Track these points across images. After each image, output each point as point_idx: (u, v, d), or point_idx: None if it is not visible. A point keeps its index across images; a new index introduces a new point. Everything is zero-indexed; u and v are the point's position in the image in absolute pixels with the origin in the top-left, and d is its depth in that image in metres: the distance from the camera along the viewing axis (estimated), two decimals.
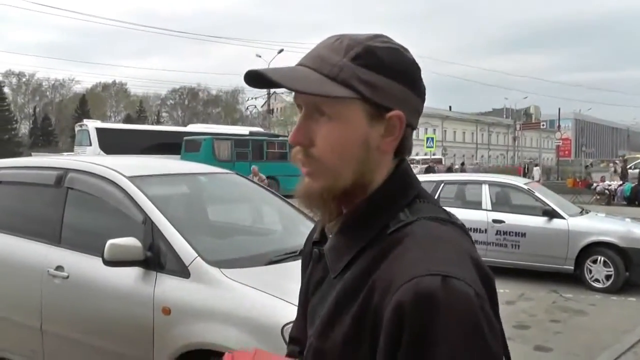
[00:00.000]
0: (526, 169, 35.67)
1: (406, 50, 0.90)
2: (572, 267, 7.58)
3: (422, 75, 0.92)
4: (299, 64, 0.87)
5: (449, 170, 28.52)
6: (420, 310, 0.74)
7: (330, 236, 0.94)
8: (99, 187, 3.60)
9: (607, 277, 7.37)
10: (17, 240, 3.86)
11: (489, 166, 46.62)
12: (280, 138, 24.75)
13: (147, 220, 3.25)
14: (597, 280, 7.43)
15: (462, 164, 35.39)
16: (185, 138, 22.11)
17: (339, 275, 0.88)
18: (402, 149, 0.91)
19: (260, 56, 42.53)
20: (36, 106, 68.35)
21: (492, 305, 0.81)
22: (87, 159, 4.27)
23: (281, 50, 40.18)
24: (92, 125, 24.34)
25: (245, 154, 21.53)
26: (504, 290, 7.33)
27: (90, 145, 22.65)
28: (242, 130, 28.03)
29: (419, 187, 0.92)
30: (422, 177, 9.99)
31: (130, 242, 3.07)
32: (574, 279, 7.61)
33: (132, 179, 3.50)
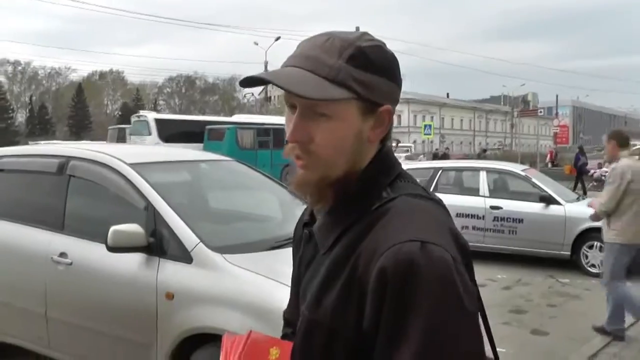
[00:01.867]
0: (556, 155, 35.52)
1: (385, 45, 0.96)
2: (569, 253, 7.67)
3: (420, 63, 0.98)
4: (293, 65, 0.91)
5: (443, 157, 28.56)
6: (400, 273, 0.80)
7: (319, 217, 1.00)
8: (101, 175, 3.63)
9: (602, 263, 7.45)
10: (20, 227, 3.90)
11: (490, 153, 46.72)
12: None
13: (149, 207, 3.28)
14: (593, 266, 7.50)
15: (446, 149, 35.45)
16: (207, 127, 22.91)
17: (328, 251, 0.94)
18: (386, 136, 0.99)
19: (257, 44, 42.39)
20: (32, 95, 68.04)
21: (469, 271, 0.88)
22: (89, 146, 4.29)
23: (278, 38, 39.97)
24: (151, 116, 25.06)
25: (267, 142, 22.20)
26: (502, 275, 7.43)
27: (150, 134, 23.31)
28: (273, 119, 28.64)
29: (400, 169, 0.99)
30: (421, 164, 10.05)
31: (133, 228, 3.11)
32: (571, 264, 7.69)
33: (133, 166, 3.53)
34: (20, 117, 67.35)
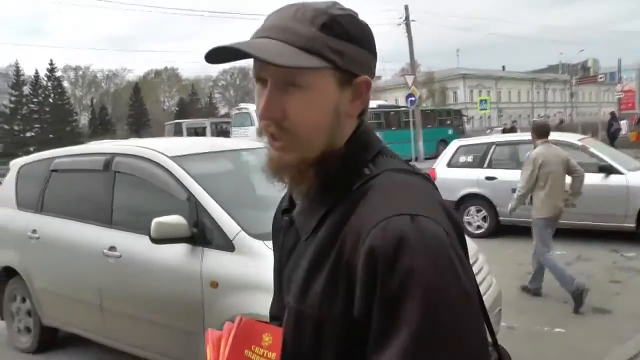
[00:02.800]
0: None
1: (358, 14, 0.91)
2: (634, 225, 7.26)
3: (472, 36, 0.92)
4: (265, 37, 0.85)
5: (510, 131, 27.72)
6: (391, 249, 0.74)
7: (299, 202, 0.94)
8: (143, 169, 3.72)
9: None
10: (76, 224, 4.08)
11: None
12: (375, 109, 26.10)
13: (191, 198, 3.34)
14: None
15: (513, 122, 34.10)
16: None
17: (310, 236, 0.88)
18: (364, 110, 0.93)
19: None
20: (93, 97, 70.88)
21: (462, 244, 0.83)
22: (132, 142, 4.42)
23: None
24: (252, 107, 25.92)
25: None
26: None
27: (252, 125, 23.80)
28: (371, 104, 29.98)
29: (381, 145, 0.93)
30: (472, 140, 9.76)
31: (176, 219, 3.17)
32: (637, 237, 7.29)
33: (174, 158, 3.60)
34: (84, 119, 70.35)
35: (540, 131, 5.47)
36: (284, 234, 0.98)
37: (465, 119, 31.25)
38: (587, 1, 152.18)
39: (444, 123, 27.73)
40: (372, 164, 0.89)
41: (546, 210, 5.26)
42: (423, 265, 0.73)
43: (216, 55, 0.85)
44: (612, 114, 22.51)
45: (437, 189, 0.91)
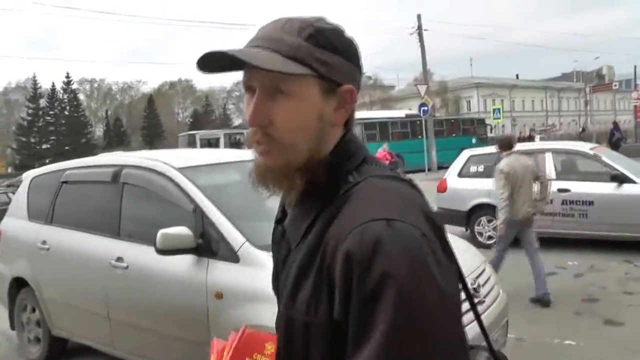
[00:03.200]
0: None
1: (344, 30, 0.96)
2: None
3: (485, 45, 0.94)
4: (256, 46, 0.90)
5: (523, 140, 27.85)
6: (366, 255, 0.76)
7: (289, 211, 0.97)
8: (151, 180, 3.76)
9: None
10: (85, 235, 4.12)
11: (559, 134, 44.34)
12: (403, 118, 27.20)
13: (197, 209, 3.37)
14: None
15: (531, 130, 34.01)
16: None
17: (300, 244, 0.91)
18: (351, 120, 0.97)
19: None
20: (108, 109, 71.70)
21: (445, 250, 0.83)
22: (141, 154, 4.46)
23: None
24: None
25: (374, 135, 24.06)
26: (573, 262, 7.06)
27: None
28: (399, 113, 31.51)
29: (366, 153, 0.96)
30: (483, 150, 9.71)
31: (181, 230, 3.20)
32: None
33: (181, 170, 3.63)
34: (98, 131, 71.14)
35: (505, 144, 5.94)
36: (279, 244, 1.01)
37: (489, 127, 31.49)
38: (601, 8, 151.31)
39: (468, 132, 28.32)
40: (356, 171, 0.91)
41: (513, 214, 5.59)
42: (397, 268, 0.74)
43: (208, 64, 0.89)
44: (615, 123, 23.62)
45: (422, 195, 0.92)
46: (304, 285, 0.86)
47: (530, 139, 27.65)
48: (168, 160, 3.81)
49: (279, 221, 1.03)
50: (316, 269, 0.84)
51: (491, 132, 32.87)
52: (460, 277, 0.90)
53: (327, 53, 0.90)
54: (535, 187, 5.80)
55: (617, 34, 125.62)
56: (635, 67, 42.91)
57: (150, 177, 3.77)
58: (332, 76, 0.90)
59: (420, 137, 24.82)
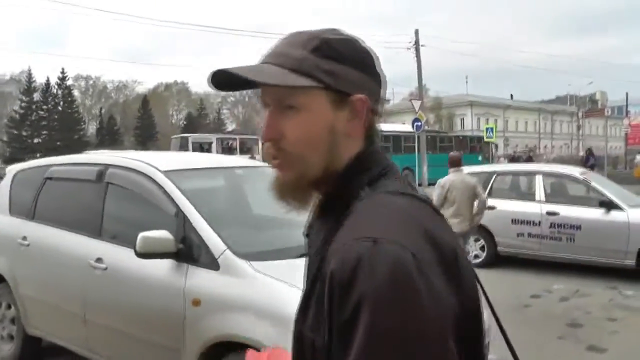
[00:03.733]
0: None
1: (360, 40, 0.93)
2: (634, 262, 7.17)
3: (481, 64, 0.92)
4: (264, 62, 0.90)
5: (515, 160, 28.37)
6: (346, 276, 0.73)
7: (312, 226, 0.97)
8: (135, 182, 3.70)
9: None
10: (66, 233, 4.05)
11: (551, 158, 44.50)
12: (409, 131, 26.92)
13: (180, 214, 3.31)
14: None
15: (530, 151, 34.56)
16: None
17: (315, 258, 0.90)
18: (372, 132, 0.93)
19: None
20: (102, 107, 71.39)
21: (449, 274, 0.77)
22: (127, 154, 4.40)
23: None
24: None
25: (388, 148, 23.98)
26: (558, 286, 7.05)
27: None
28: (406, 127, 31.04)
29: (387, 165, 0.92)
30: (474, 169, 9.72)
31: (162, 234, 3.14)
32: (636, 274, 7.20)
33: (167, 173, 3.57)
34: (92, 128, 70.75)
35: (454, 162, 6.44)
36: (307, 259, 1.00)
37: (493, 146, 31.98)
38: (598, 34, 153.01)
39: (474, 149, 28.63)
40: (370, 186, 0.88)
41: (452, 225, 6.15)
42: (375, 291, 0.70)
43: (222, 83, 0.92)
44: (589, 150, 27.12)
45: (433, 212, 0.87)
46: (312, 302, 0.84)
47: (530, 160, 28.19)
48: (154, 162, 3.75)
49: (307, 235, 1.00)
50: (319, 287, 0.82)
51: (496, 149, 33.42)
52: (487, 301, 0.89)
53: (333, 63, 0.88)
54: (475, 204, 6.19)
55: (611, 60, 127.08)
56: (627, 94, 43.38)
57: (135, 178, 3.71)
58: (341, 86, 0.88)
59: (431, 151, 25.26)
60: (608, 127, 51.71)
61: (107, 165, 3.97)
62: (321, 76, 0.87)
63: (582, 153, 37.84)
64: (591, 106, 58.79)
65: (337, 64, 0.88)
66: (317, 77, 0.87)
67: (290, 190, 0.90)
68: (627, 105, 41.22)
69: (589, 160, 25.33)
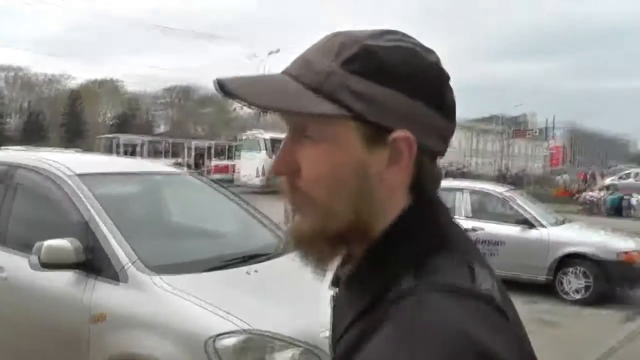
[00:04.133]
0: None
1: (427, 51, 0.69)
2: (551, 278, 7.48)
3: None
4: (284, 72, 0.69)
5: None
6: None
7: (341, 283, 0.75)
8: (43, 184, 3.44)
9: (586, 288, 7.29)
10: None
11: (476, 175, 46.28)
12: None
13: (87, 221, 3.10)
14: (576, 291, 7.34)
15: (463, 166, 36.03)
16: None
17: (341, 339, 0.69)
18: (419, 181, 0.68)
19: (256, 56, 42.28)
20: (30, 101, 67.84)
21: None
22: (39, 154, 4.10)
23: (278, 50, 39.88)
24: (266, 135, 25.15)
25: None
26: None
27: (261, 151, 23.95)
28: None
29: (440, 232, 0.68)
30: None
31: (64, 244, 2.91)
32: (552, 290, 7.49)
33: (80, 176, 3.34)
34: (18, 123, 67.02)
35: None
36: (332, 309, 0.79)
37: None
38: (533, 56, 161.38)
39: None
40: (417, 267, 0.63)
41: None
42: None
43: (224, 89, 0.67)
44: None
45: (501, 316, 0.62)
46: None
47: (463, 175, 29.13)
48: (67, 164, 3.51)
49: (334, 283, 0.78)
50: None
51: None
52: None
53: (371, 85, 0.64)
54: None
55: (543, 82, 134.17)
56: (554, 117, 45.83)
57: (42, 181, 3.44)
58: (376, 117, 0.64)
59: None
60: (534, 147, 54.42)
61: (16, 166, 3.67)
62: (348, 101, 0.64)
63: (508, 171, 40.03)
64: (520, 127, 61.74)
65: (376, 85, 0.64)
66: (343, 101, 0.64)
67: (307, 242, 0.69)
68: (553, 128, 43.57)
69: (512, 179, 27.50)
